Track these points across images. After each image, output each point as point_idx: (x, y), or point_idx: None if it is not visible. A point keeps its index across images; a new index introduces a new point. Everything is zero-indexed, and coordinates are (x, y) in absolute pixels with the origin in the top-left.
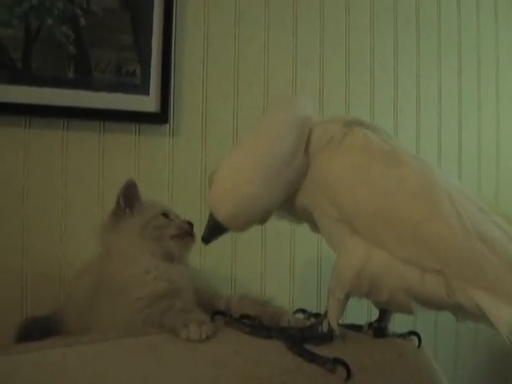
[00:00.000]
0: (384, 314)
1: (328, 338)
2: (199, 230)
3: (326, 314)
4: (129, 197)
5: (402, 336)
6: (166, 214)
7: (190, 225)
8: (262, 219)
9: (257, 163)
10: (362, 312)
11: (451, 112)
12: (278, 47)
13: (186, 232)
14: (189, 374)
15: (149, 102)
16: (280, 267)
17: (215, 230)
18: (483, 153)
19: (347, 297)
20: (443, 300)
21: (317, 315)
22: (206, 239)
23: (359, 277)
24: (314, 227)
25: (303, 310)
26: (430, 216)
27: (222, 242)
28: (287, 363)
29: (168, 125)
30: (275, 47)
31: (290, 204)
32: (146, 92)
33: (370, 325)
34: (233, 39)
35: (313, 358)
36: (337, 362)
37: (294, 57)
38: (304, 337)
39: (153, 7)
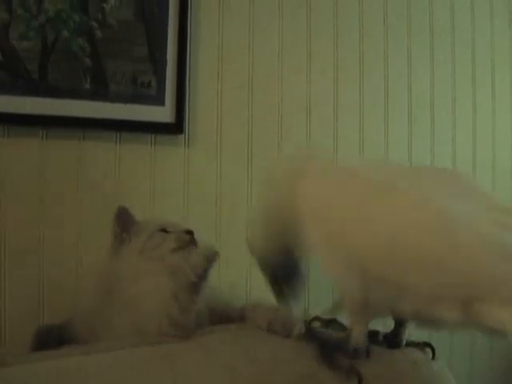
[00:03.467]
0: (399, 326)
1: (359, 355)
2: (213, 239)
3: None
4: (123, 222)
5: (416, 346)
6: (163, 229)
7: (190, 233)
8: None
9: None
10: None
11: (465, 120)
12: (293, 56)
13: (186, 242)
14: (204, 381)
15: (164, 113)
16: None
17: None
18: (497, 162)
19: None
20: (457, 321)
21: (331, 321)
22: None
23: (371, 310)
24: None
25: (319, 318)
26: (450, 244)
27: (238, 251)
28: (301, 371)
29: (183, 135)
30: (289, 56)
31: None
32: (162, 103)
33: (385, 336)
34: (247, 49)
35: (331, 363)
36: (351, 370)
37: (308, 65)
38: (336, 348)
39: (167, 19)
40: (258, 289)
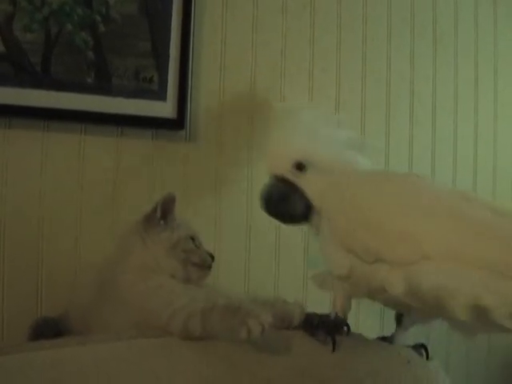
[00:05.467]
0: (399, 326)
1: (339, 327)
2: (212, 235)
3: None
4: (165, 209)
5: (411, 348)
6: (193, 239)
7: (212, 258)
8: None
9: None
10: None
11: (467, 122)
12: (295, 54)
13: (207, 265)
14: (201, 374)
15: (166, 108)
16: (293, 272)
17: None
18: (499, 164)
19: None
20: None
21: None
22: None
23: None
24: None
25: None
26: (401, 210)
27: (237, 248)
28: (298, 366)
29: (184, 131)
30: (292, 54)
31: None
32: (163, 98)
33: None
34: (250, 45)
35: (312, 332)
36: (329, 334)
37: (310, 63)
38: (319, 322)
39: (171, 14)
40: (256, 284)
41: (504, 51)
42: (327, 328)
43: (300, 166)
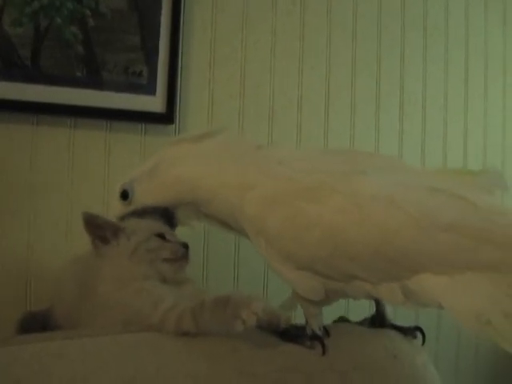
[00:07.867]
0: (379, 305)
1: (317, 338)
2: (201, 229)
3: (307, 321)
4: (93, 230)
5: (406, 330)
6: (161, 235)
7: (186, 247)
8: None
9: None
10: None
11: (457, 118)
12: (285, 50)
13: (180, 256)
14: (186, 370)
15: (155, 103)
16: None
17: None
18: (488, 160)
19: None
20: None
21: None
22: None
23: (320, 302)
24: None
25: None
26: (387, 235)
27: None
28: (283, 361)
29: (174, 125)
30: (282, 50)
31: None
32: (153, 92)
33: (372, 318)
34: (240, 41)
35: (294, 340)
36: (313, 338)
37: (300, 60)
38: (297, 334)
39: (161, 9)
40: (244, 280)
41: (494, 47)
42: (306, 340)
43: (124, 195)
